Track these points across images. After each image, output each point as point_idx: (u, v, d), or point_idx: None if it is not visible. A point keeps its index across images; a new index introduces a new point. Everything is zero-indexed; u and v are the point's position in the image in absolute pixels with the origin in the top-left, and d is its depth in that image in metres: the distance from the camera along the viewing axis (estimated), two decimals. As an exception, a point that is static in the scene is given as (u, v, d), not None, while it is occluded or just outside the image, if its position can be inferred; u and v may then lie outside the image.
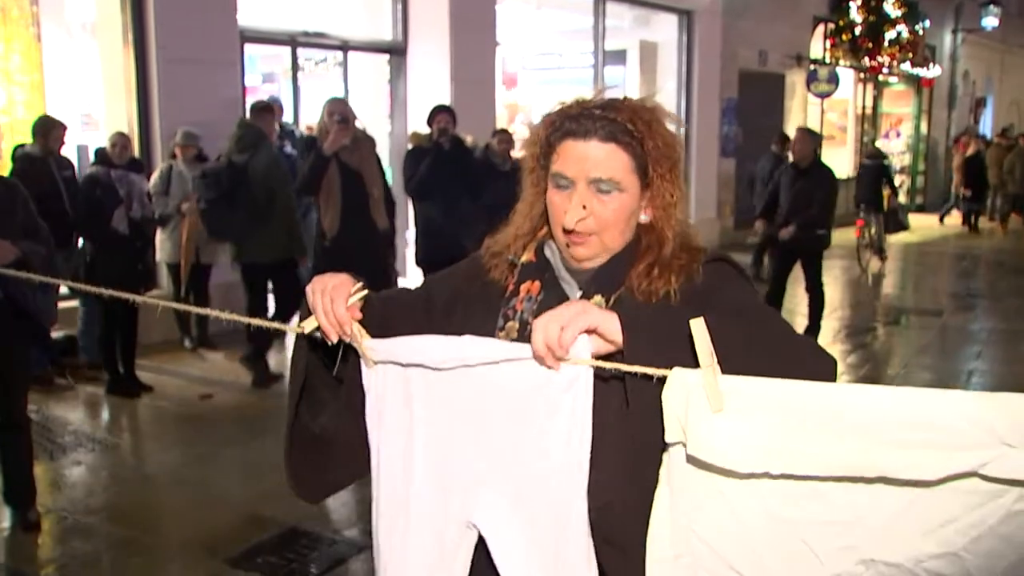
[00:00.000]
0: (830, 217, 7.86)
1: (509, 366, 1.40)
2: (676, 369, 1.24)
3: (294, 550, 4.09)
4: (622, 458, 1.39)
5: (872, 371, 7.37)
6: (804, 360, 1.35)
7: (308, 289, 1.55)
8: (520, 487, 1.44)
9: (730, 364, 1.23)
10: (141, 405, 5.56)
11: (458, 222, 6.84)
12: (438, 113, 7.06)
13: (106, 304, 6.01)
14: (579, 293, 1.55)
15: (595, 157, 1.49)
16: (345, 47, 9.98)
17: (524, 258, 1.63)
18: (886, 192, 13.44)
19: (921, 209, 20.96)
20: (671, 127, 1.55)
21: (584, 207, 1.50)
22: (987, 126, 24.76)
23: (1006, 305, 10.41)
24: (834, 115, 18.62)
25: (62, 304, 6.89)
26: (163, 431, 5.53)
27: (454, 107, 9.56)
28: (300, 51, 9.83)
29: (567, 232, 1.53)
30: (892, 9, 17.66)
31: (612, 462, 1.39)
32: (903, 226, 14.73)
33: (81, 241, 6.28)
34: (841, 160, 18.67)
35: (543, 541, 1.43)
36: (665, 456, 1.32)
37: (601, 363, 1.31)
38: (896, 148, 21.11)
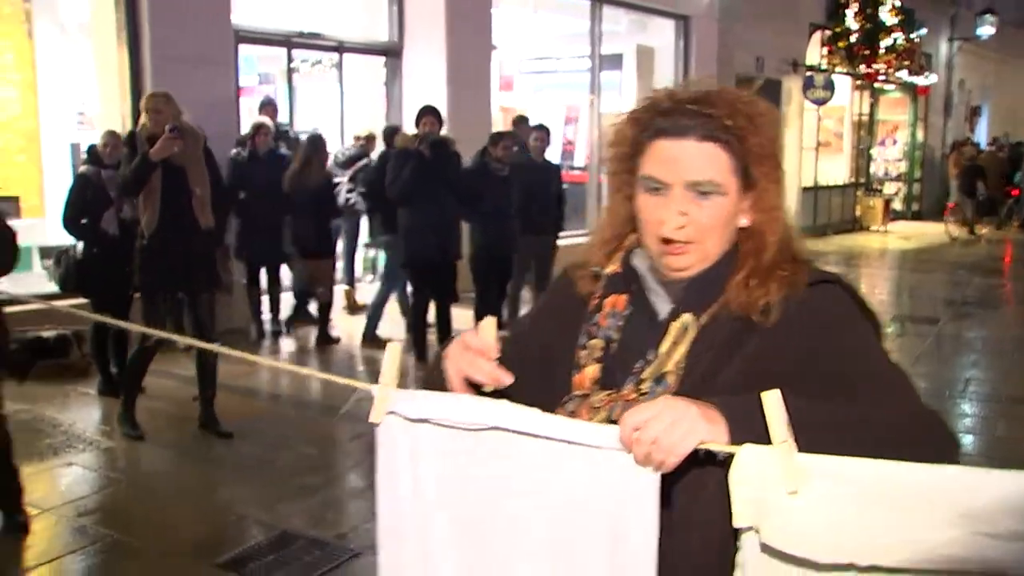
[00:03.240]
0: None
1: (566, 446, 1.24)
2: (747, 446, 1.12)
3: (286, 553, 4.03)
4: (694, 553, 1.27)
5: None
6: (916, 446, 1.19)
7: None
8: (567, 571, 1.27)
9: (814, 450, 1.11)
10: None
11: (441, 227, 6.83)
12: (425, 115, 6.98)
13: (97, 305, 5.96)
14: (670, 308, 1.39)
15: (692, 158, 1.34)
16: (341, 48, 9.95)
17: (609, 269, 1.47)
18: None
19: (918, 216, 20.98)
20: (775, 120, 1.40)
21: (683, 214, 1.34)
22: (982, 134, 24.82)
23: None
24: (831, 122, 18.63)
25: (64, 302, 6.86)
26: (155, 432, 5.46)
27: (450, 109, 9.56)
28: (296, 52, 9.79)
29: (664, 242, 1.37)
30: (888, 17, 17.67)
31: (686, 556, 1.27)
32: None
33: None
34: (838, 167, 18.69)
35: None
36: (740, 542, 1.19)
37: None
38: (892, 155, 21.15)
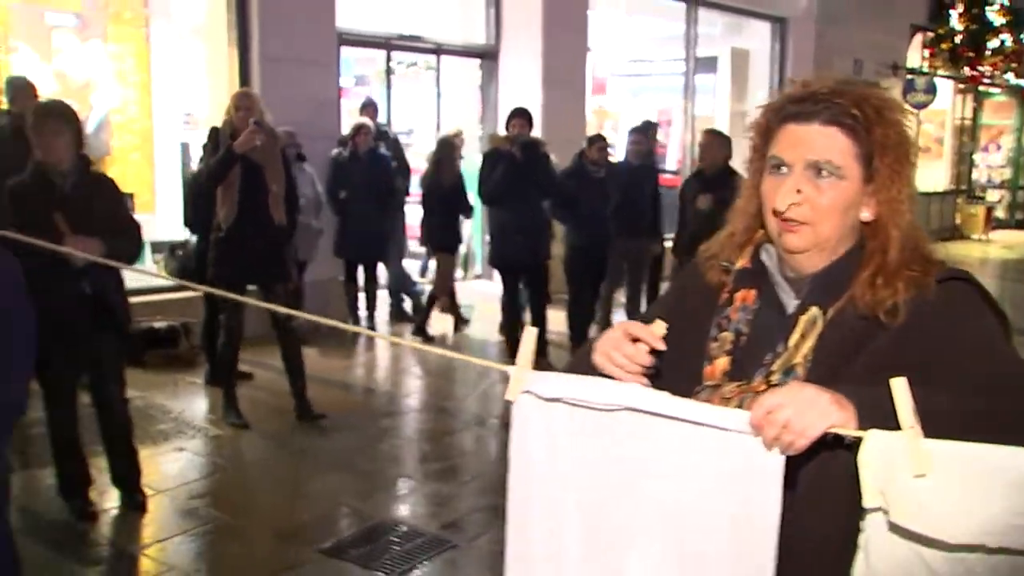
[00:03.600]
0: None
1: (692, 426, 1.31)
2: (873, 431, 1.17)
3: (385, 542, 4.16)
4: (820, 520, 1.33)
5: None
6: None
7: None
8: (685, 545, 1.34)
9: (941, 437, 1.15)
10: (239, 396, 5.72)
11: (532, 228, 6.92)
12: (515, 117, 7.05)
13: (210, 295, 6.19)
14: (796, 303, 1.45)
15: (814, 139, 1.39)
16: (439, 50, 10.13)
17: (739, 263, 1.52)
18: None
19: (1022, 225, 20.26)
20: (905, 119, 1.44)
21: (799, 191, 1.40)
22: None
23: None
24: (931, 126, 18.14)
25: (168, 296, 7.18)
26: (258, 422, 5.67)
27: (544, 112, 9.65)
28: (394, 54, 10.00)
29: (777, 216, 1.42)
30: (996, 17, 17.14)
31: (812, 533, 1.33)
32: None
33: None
34: (937, 173, 18.19)
35: None
36: (864, 523, 1.24)
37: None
38: (995, 162, 20.46)
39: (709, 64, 13.54)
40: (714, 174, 6.62)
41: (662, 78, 13.40)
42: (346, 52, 9.54)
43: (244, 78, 7.75)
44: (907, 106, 12.89)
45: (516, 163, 6.78)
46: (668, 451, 1.33)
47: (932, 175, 17.96)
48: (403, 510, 4.59)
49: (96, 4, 7.77)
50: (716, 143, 6.84)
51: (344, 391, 6.70)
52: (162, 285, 7.20)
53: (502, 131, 7.28)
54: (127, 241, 4.09)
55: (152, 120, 8.39)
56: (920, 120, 17.08)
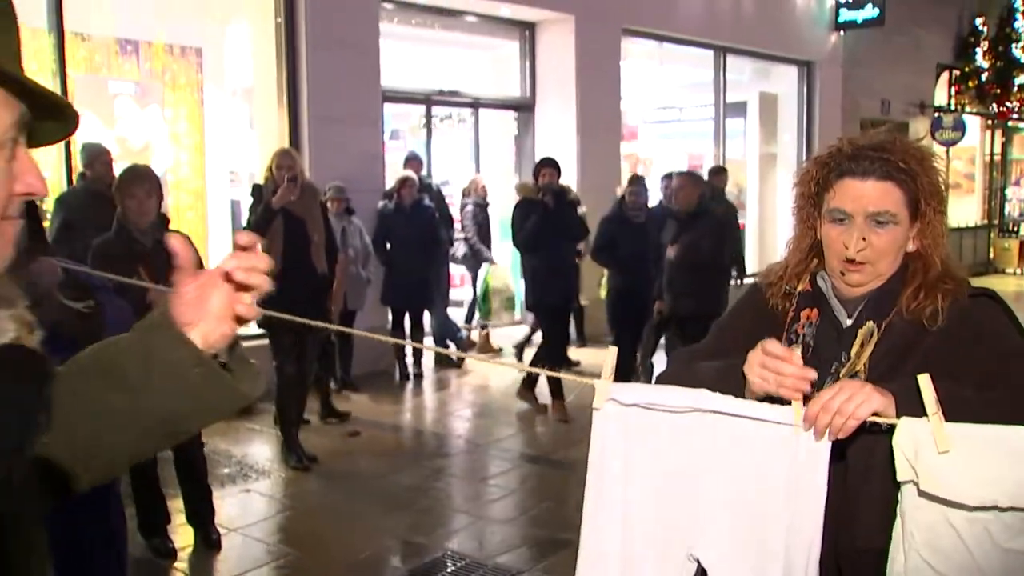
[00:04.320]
0: (724, 275, 7.16)
1: (751, 422, 1.55)
2: (905, 418, 1.43)
3: (448, 573, 4.37)
4: (862, 498, 1.59)
5: None
6: None
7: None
8: (750, 528, 1.56)
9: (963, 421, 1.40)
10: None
11: (563, 271, 7.20)
12: (544, 167, 7.35)
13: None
14: (848, 320, 1.72)
15: (873, 194, 1.66)
16: (476, 104, 10.50)
17: (800, 287, 1.79)
18: None
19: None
20: (940, 165, 1.71)
21: (863, 239, 1.67)
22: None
23: None
24: (960, 163, 18.28)
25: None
26: (319, 464, 5.93)
27: (580, 159, 9.97)
28: (433, 108, 10.39)
29: (848, 261, 1.69)
30: (1021, 54, 17.33)
31: (863, 510, 1.59)
32: None
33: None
34: (968, 208, 18.28)
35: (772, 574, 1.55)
36: (899, 495, 1.47)
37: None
38: (1025, 196, 20.51)
39: (738, 109, 13.84)
40: (689, 215, 6.90)
41: (692, 123, 13.71)
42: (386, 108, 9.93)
43: (294, 136, 8.11)
44: (935, 144, 13.09)
45: (547, 211, 7.08)
46: (732, 445, 1.57)
47: (964, 211, 18.06)
48: (463, 544, 4.80)
49: (154, 72, 8.19)
50: (689, 185, 7.04)
51: (396, 433, 6.95)
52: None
53: (529, 180, 7.62)
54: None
55: (205, 179, 8.78)
56: (949, 157, 17.26)
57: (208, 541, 4.63)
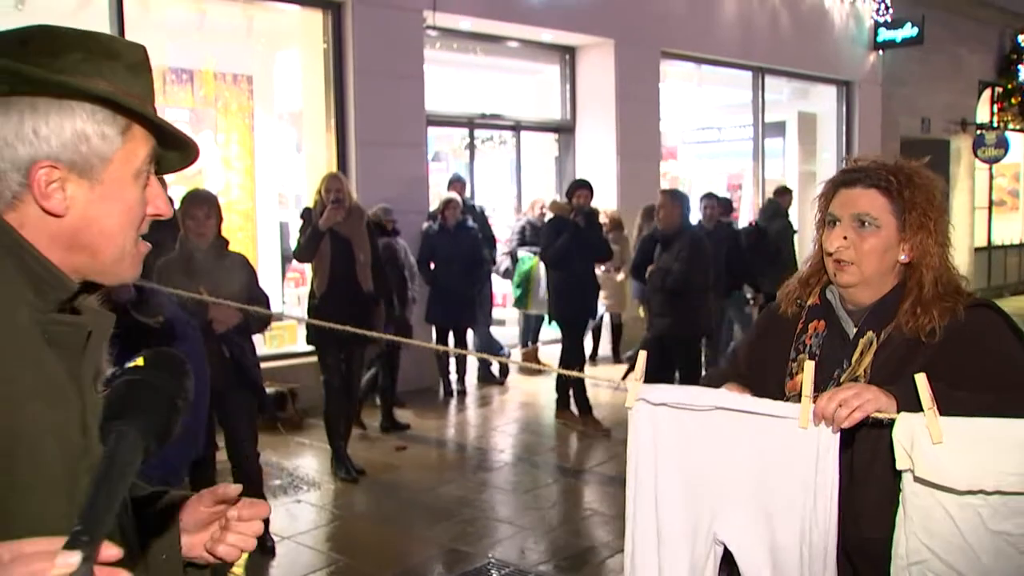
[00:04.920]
0: (704, 294, 7.06)
1: (763, 418, 1.73)
2: (904, 413, 1.59)
3: (493, 580, 4.54)
4: (871, 494, 1.75)
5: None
6: None
7: None
8: (766, 511, 1.74)
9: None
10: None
11: (588, 287, 7.47)
12: (578, 188, 7.55)
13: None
14: (855, 329, 1.88)
15: (858, 198, 1.86)
16: (518, 127, 10.73)
17: (810, 301, 1.98)
18: None
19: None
20: (933, 184, 1.86)
21: (845, 238, 1.83)
22: None
23: None
24: (1004, 179, 18.17)
25: (276, 364, 7.75)
26: (367, 476, 6.13)
27: (620, 180, 10.15)
28: (476, 132, 10.64)
29: (830, 256, 1.85)
30: (1064, 71, 17.23)
31: (866, 499, 1.75)
32: None
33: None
34: (1013, 226, 18.14)
35: (789, 562, 1.72)
36: (900, 484, 1.63)
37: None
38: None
39: (777, 128, 13.94)
40: (671, 233, 6.91)
41: (731, 143, 13.82)
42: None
43: (341, 160, 8.38)
44: (978, 161, 13.02)
45: (579, 230, 7.27)
46: (750, 438, 1.75)
47: (1008, 228, 17.93)
48: (507, 552, 4.96)
49: (207, 99, 8.51)
50: (671, 203, 7.01)
51: (440, 447, 7.15)
52: (271, 353, 7.81)
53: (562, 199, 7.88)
54: (259, 310, 4.61)
55: (255, 201, 9.07)
56: (993, 174, 17.18)
57: (263, 548, 4.84)
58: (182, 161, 1.23)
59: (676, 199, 7.09)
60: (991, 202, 17.46)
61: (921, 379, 1.56)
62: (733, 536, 1.79)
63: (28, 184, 1.06)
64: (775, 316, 2.04)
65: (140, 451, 0.90)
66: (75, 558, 0.78)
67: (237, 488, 1.25)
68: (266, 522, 4.45)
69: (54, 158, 1.07)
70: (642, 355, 1.86)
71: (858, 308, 1.90)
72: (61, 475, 1.04)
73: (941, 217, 1.86)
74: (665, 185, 12.25)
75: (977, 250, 16.72)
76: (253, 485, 4.88)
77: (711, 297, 7.25)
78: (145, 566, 1.25)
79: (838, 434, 1.66)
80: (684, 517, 1.82)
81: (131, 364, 0.99)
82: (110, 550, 0.81)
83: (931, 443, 1.54)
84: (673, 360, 6.84)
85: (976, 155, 16.12)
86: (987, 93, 17.03)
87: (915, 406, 1.59)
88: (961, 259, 16.42)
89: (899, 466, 1.59)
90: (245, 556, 4.77)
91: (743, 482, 1.77)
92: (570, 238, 7.25)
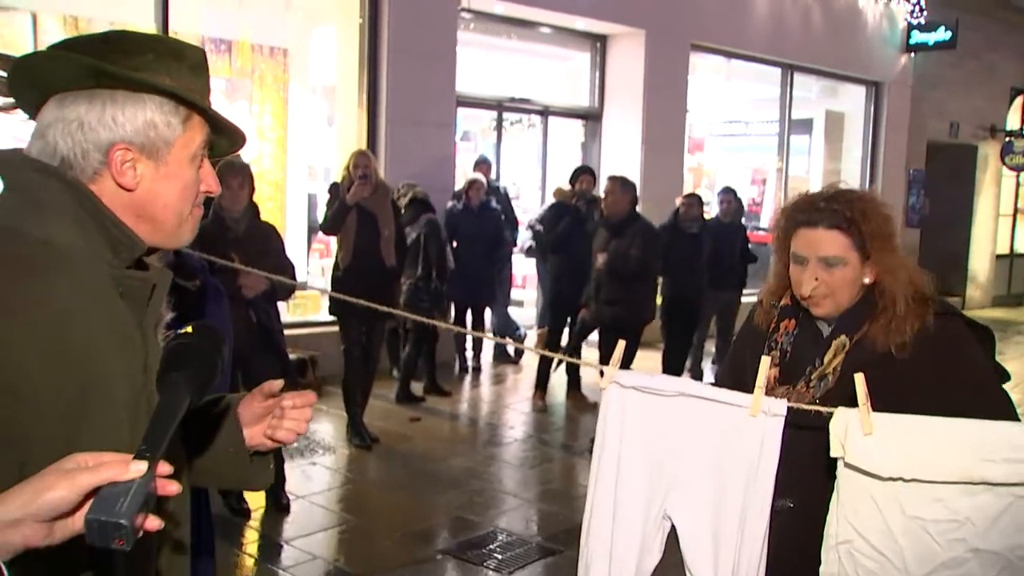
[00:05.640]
0: (652, 284, 6.99)
1: (721, 406, 1.91)
2: (840, 408, 1.76)
3: (495, 547, 4.75)
4: (804, 477, 1.92)
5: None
6: None
7: None
8: (715, 493, 1.91)
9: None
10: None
11: (583, 273, 7.44)
12: (582, 174, 7.70)
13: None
14: (829, 329, 2.06)
15: (821, 240, 1.99)
16: (546, 112, 10.89)
17: (782, 303, 2.16)
18: None
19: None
20: (884, 209, 2.01)
21: (816, 279, 1.99)
22: None
23: None
24: (1031, 188, 18.11)
25: (297, 332, 7.98)
26: (380, 444, 6.36)
27: (644, 170, 10.29)
28: (504, 114, 10.80)
29: (804, 299, 2.02)
30: (1097, 82, 17.13)
31: (796, 479, 1.92)
32: None
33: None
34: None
35: (728, 534, 1.90)
36: (837, 472, 1.80)
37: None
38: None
39: (804, 126, 13.99)
40: (620, 221, 6.70)
41: (758, 138, 13.90)
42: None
43: (371, 136, 8.57)
44: (1005, 168, 13.00)
45: (580, 215, 7.43)
46: (707, 424, 1.93)
47: (1033, 236, 17.91)
48: (511, 522, 5.17)
49: (244, 70, 8.72)
50: (620, 191, 6.75)
51: (453, 421, 7.37)
52: (294, 321, 8.05)
53: (566, 186, 8.11)
54: (284, 280, 4.83)
55: (285, 172, 9.29)
56: (1020, 182, 17.14)
57: (278, 504, 5.08)
58: (230, 147, 1.45)
59: (626, 187, 6.83)
60: (1016, 209, 17.44)
61: (859, 378, 1.72)
62: (681, 514, 1.96)
63: (107, 162, 1.28)
64: (755, 317, 2.23)
65: (187, 397, 1.13)
66: (143, 466, 0.99)
67: (279, 383, 1.49)
68: (283, 480, 4.70)
69: (128, 141, 1.28)
70: (621, 344, 2.05)
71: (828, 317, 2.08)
72: (126, 411, 1.25)
73: (895, 235, 2.03)
74: (689, 177, 12.39)
75: (999, 257, 16.73)
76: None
77: (656, 287, 7.16)
78: (215, 459, 1.51)
79: (781, 423, 1.83)
80: (641, 492, 1.99)
81: (182, 331, 1.21)
82: (165, 466, 1.02)
83: (862, 434, 1.70)
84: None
85: (1004, 162, 16.10)
86: (1019, 100, 16.97)
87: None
88: (981, 265, 16.46)
89: (832, 453, 1.76)
90: (261, 511, 5.03)
91: (698, 464, 1.93)
92: (571, 223, 7.43)
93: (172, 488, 1.03)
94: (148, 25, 7.44)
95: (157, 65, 1.30)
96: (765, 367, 1.86)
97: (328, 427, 6.84)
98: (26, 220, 1.23)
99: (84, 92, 1.27)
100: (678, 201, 8.23)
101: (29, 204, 1.24)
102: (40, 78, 1.28)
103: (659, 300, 8.10)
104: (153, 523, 1.00)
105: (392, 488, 5.74)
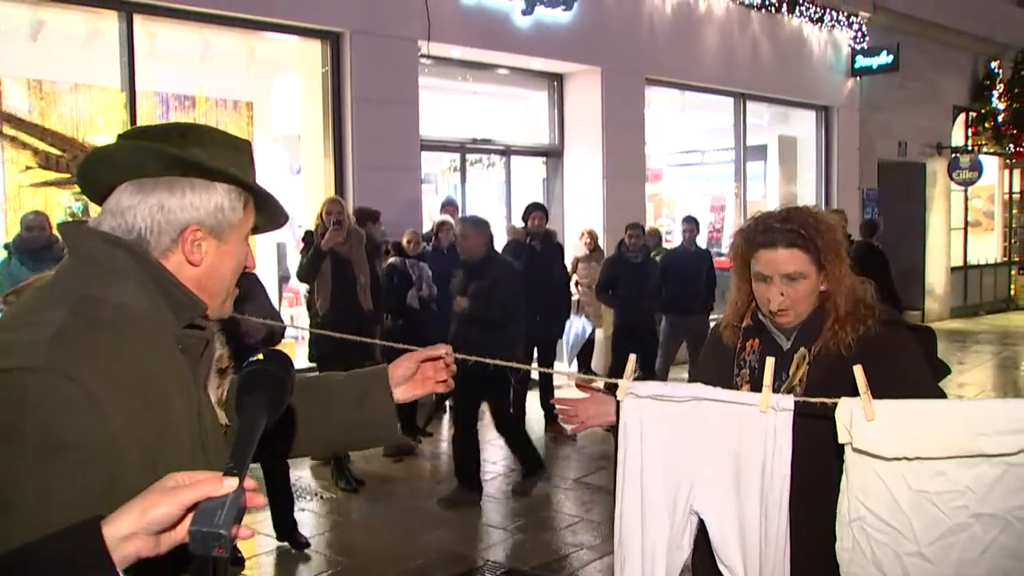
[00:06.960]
0: (518, 329, 6.30)
1: (733, 405, 2.07)
2: (843, 398, 1.92)
3: (490, 580, 4.86)
4: (816, 462, 2.05)
5: None
6: None
7: None
8: (736, 483, 2.06)
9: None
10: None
11: (549, 306, 7.78)
12: (533, 211, 7.91)
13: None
14: (788, 343, 2.23)
15: (783, 259, 2.18)
16: (507, 151, 11.10)
17: (745, 323, 2.33)
18: None
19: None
20: (832, 222, 2.21)
21: (782, 294, 2.16)
22: None
23: None
24: (980, 200, 18.65)
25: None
26: (365, 486, 6.44)
27: (607, 201, 10.52)
28: (467, 155, 11.00)
29: (771, 313, 2.19)
30: (1035, 96, 17.75)
31: (811, 464, 2.06)
32: None
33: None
34: (988, 246, 18.62)
35: (752, 523, 2.05)
36: (844, 457, 1.95)
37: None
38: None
39: (759, 152, 14.36)
40: (477, 262, 6.26)
41: (714, 166, 14.23)
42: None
43: (339, 183, 8.71)
44: (953, 184, 13.42)
45: (535, 252, 7.63)
46: (721, 423, 2.08)
47: (984, 248, 18.41)
48: (501, 554, 5.27)
49: (206, 121, 8.84)
50: (473, 233, 6.30)
51: (434, 460, 7.46)
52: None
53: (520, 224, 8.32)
54: (271, 323, 4.94)
55: (254, 223, 9.39)
56: (968, 196, 17.65)
57: (296, 544, 5.28)
58: (266, 226, 1.59)
59: (479, 227, 6.34)
60: (967, 223, 17.94)
61: (858, 369, 1.89)
62: (707, 508, 2.11)
63: (179, 240, 1.44)
64: (719, 342, 2.40)
65: (264, 418, 1.26)
66: (234, 482, 1.12)
67: (446, 347, 1.87)
68: (294, 523, 4.80)
69: (200, 222, 1.45)
70: (632, 358, 2.21)
71: (787, 327, 2.25)
72: (188, 451, 1.39)
73: (843, 246, 2.23)
74: (650, 206, 12.65)
75: (953, 269, 17.18)
76: (279, 481, 5.22)
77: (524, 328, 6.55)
78: (364, 421, 1.85)
79: (791, 417, 1.99)
80: (665, 492, 2.14)
81: (254, 359, 1.35)
82: (250, 481, 1.16)
83: (865, 420, 1.87)
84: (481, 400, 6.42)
85: (951, 178, 16.60)
86: (962, 117, 17.52)
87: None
88: (938, 278, 16.89)
89: (840, 440, 1.92)
90: (256, 558, 5.09)
91: (715, 461, 2.09)
92: (527, 261, 7.63)
93: (259, 500, 1.16)
94: (114, 84, 7.56)
95: (225, 156, 1.46)
96: (770, 367, 2.01)
97: (313, 473, 6.91)
98: (102, 287, 1.36)
99: (164, 179, 1.42)
100: (624, 233, 8.46)
101: (102, 272, 1.38)
102: (120, 166, 1.43)
103: (610, 329, 8.34)
104: (245, 532, 1.13)
105: (383, 529, 5.82)
